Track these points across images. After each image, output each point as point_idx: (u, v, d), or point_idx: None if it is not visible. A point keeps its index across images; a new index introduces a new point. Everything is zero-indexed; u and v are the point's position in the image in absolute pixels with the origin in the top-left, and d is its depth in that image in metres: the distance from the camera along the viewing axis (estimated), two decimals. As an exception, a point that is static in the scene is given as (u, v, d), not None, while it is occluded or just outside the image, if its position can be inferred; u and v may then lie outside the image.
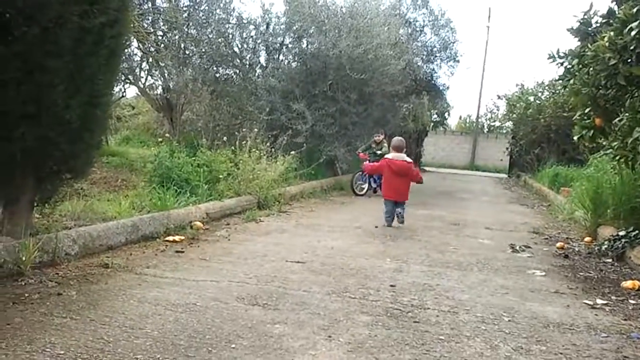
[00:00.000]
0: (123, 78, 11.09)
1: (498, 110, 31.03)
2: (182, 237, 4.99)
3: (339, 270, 4.29)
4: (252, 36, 11.70)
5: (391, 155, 7.22)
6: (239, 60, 11.75)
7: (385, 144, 10.96)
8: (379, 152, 10.58)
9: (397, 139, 7.38)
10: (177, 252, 4.52)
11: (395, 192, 6.96)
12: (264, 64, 12.05)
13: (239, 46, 11.77)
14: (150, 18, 10.79)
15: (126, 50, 9.76)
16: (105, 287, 3.43)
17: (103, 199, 5.71)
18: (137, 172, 8.09)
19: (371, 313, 3.27)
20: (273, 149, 8.97)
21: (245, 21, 11.48)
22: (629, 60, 4.81)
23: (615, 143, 5.41)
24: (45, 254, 3.71)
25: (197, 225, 5.52)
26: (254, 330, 2.84)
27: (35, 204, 4.08)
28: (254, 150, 7.97)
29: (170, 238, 4.91)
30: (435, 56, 17.91)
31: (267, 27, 11.69)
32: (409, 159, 7.24)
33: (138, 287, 3.47)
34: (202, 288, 3.54)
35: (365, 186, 10.73)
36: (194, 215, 5.71)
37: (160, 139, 8.16)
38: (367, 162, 9.94)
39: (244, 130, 9.35)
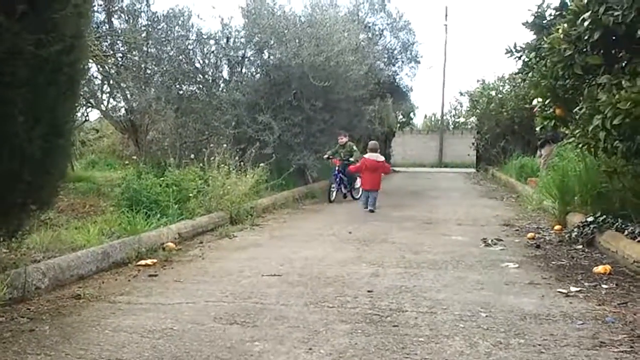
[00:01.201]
0: (85, 102, 10.95)
1: (461, 106, 31.45)
2: (155, 260, 4.93)
3: (316, 280, 4.29)
4: (213, 51, 11.67)
5: (367, 155, 9.58)
6: (201, 76, 11.70)
7: (352, 145, 11.14)
8: (351, 158, 10.60)
9: (371, 143, 10.14)
10: (150, 276, 4.46)
11: (369, 183, 9.30)
12: (227, 78, 12.02)
13: (201, 62, 11.73)
14: (108, 40, 10.68)
15: (86, 75, 9.65)
16: (78, 318, 3.37)
17: (71, 227, 5.60)
18: (105, 197, 7.98)
19: (350, 321, 3.28)
20: (242, 163, 8.93)
21: (205, 36, 11.43)
22: (584, 50, 4.94)
23: (577, 131, 5.54)
24: (15, 290, 3.62)
25: (169, 246, 5.46)
26: (234, 350, 2.82)
27: (1, 239, 3.99)
28: (222, 165, 7.92)
29: (143, 262, 4.84)
30: (397, 58, 18.15)
31: (228, 41, 11.67)
32: (380, 158, 9.66)
33: (112, 316, 3.41)
34: (178, 311, 3.50)
35: (335, 192, 10.71)
36: (165, 236, 5.64)
37: (126, 161, 8.05)
38: (337, 167, 10.57)
39: (211, 146, 9.30)
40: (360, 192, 10.45)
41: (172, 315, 3.42)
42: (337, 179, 10.64)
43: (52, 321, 3.31)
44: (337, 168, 10.71)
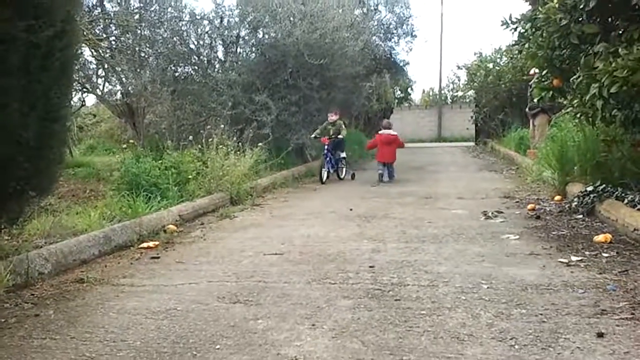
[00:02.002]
0: (80, 87, 10.89)
1: (459, 80, 31.26)
2: (157, 243, 4.95)
3: (317, 258, 4.31)
4: (207, 32, 11.58)
5: (381, 131, 10.58)
6: (196, 57, 11.62)
7: (341, 122, 10.71)
8: (340, 135, 10.43)
9: (385, 121, 11.26)
10: (152, 258, 4.48)
11: (384, 156, 10.23)
12: (222, 59, 11.94)
13: (195, 43, 11.63)
14: (101, 23, 10.58)
15: (80, 59, 9.58)
16: (82, 302, 3.39)
17: (72, 213, 5.61)
18: (105, 181, 7.99)
19: (352, 296, 3.30)
20: (240, 143, 8.92)
21: (198, 17, 11.34)
22: (580, 19, 4.90)
23: (575, 101, 5.52)
24: (18, 276, 3.65)
25: (170, 228, 5.47)
26: (237, 329, 2.84)
27: (3, 226, 4.00)
28: (221, 146, 7.90)
29: (145, 245, 4.86)
30: (393, 33, 17.96)
31: (222, 21, 11.57)
32: (394, 132, 10.59)
33: (116, 299, 3.44)
34: (181, 292, 3.52)
35: (326, 172, 10.29)
36: (166, 219, 5.66)
37: (124, 145, 8.03)
38: (326, 146, 10.20)
39: (208, 127, 9.27)
40: (344, 172, 10.79)
41: (176, 296, 3.44)
42: (327, 158, 10.29)
43: (57, 306, 3.33)
44: (326, 147, 10.29)
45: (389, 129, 10.64)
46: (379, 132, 10.66)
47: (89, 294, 3.55)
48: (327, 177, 10.22)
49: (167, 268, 4.16)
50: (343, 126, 10.67)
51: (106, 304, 3.34)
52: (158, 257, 4.50)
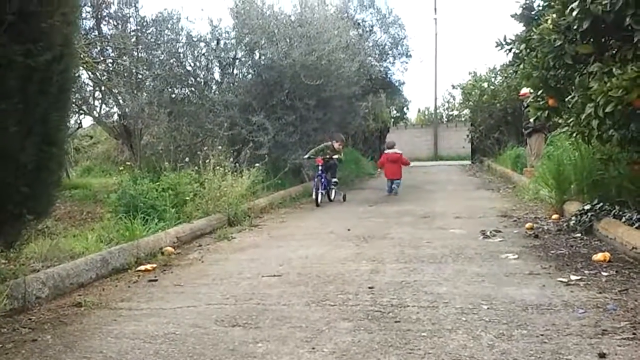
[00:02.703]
0: (77, 109, 10.93)
1: (454, 99, 31.48)
2: (154, 265, 4.92)
3: (316, 279, 4.29)
4: (203, 53, 11.66)
5: (387, 150, 11.78)
6: (193, 79, 11.68)
7: (340, 149, 10.60)
8: (335, 156, 10.30)
9: (389, 141, 12.65)
10: (150, 281, 4.45)
11: (392, 173, 11.32)
12: (219, 80, 12.01)
13: (192, 64, 11.71)
14: (98, 46, 10.65)
15: (77, 81, 9.62)
16: (80, 327, 3.36)
17: (69, 235, 5.59)
18: (102, 203, 7.96)
19: (352, 318, 3.28)
20: (237, 164, 8.93)
21: (195, 39, 11.43)
22: (574, 40, 4.94)
23: (571, 120, 5.55)
24: (15, 300, 3.61)
25: (168, 250, 5.45)
26: (237, 353, 2.82)
27: (0, 250, 3.98)
28: (218, 167, 7.91)
29: (142, 267, 4.83)
30: (388, 54, 18.12)
31: (218, 43, 11.66)
32: (398, 151, 11.66)
33: (114, 323, 3.41)
34: (180, 315, 3.49)
35: (320, 195, 9.72)
36: (164, 241, 5.63)
37: (121, 168, 8.03)
38: (320, 167, 9.85)
39: (205, 148, 9.28)
40: (334, 194, 10.47)
41: (174, 319, 3.41)
42: (322, 180, 9.85)
43: (54, 330, 3.30)
44: (320, 168, 9.88)
45: (393, 148, 11.78)
46: (385, 151, 11.94)
47: (86, 318, 3.52)
48: (321, 199, 9.81)
49: (165, 291, 4.13)
50: (341, 152, 10.61)
51: (104, 328, 3.31)
52: (156, 280, 4.47)
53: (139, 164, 9.68)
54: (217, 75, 12.07)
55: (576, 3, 4.60)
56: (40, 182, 3.76)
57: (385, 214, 8.10)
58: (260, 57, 11.71)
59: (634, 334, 2.83)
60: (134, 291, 4.17)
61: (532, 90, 6.05)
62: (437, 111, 32.61)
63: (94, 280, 4.44)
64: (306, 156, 10.40)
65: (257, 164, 9.26)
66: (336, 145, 10.38)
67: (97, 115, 11.56)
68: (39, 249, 4.74)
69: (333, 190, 10.46)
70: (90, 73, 10.35)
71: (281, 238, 6.35)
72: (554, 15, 4.99)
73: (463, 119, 28.51)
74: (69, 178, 11.68)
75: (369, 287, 3.96)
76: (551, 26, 5.02)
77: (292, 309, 3.51)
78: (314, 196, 9.71)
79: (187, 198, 7.04)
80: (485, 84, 19.27)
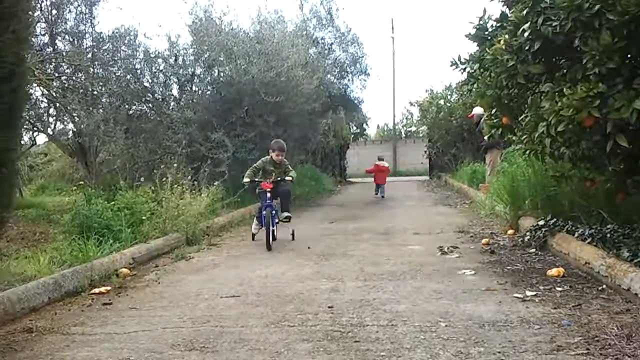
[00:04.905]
0: (31, 126, 10.65)
1: (412, 116, 32.02)
2: (109, 288, 4.78)
3: (276, 299, 4.25)
4: (161, 70, 11.56)
5: (377, 162, 15.46)
6: (150, 95, 11.56)
7: (287, 162, 7.72)
8: (288, 178, 7.35)
9: (379, 155, 16.75)
10: (104, 304, 4.32)
11: (379, 179, 15.00)
12: (177, 97, 11.91)
13: (150, 81, 11.60)
14: (53, 63, 10.41)
15: (31, 98, 9.39)
16: (31, 353, 3.23)
17: (21, 257, 5.39)
18: (55, 224, 7.73)
19: (311, 339, 3.25)
20: (196, 182, 8.82)
21: (152, 55, 11.32)
22: (526, 60, 5.07)
23: (524, 137, 5.68)
24: (-39, 328, 3.46)
25: (123, 272, 5.31)
26: (194, 378, 2.75)
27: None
28: (176, 185, 7.79)
29: (96, 290, 4.69)
30: (347, 71, 18.34)
31: (176, 59, 11.58)
32: (386, 164, 15.86)
33: (66, 349, 3.29)
34: (135, 340, 3.39)
35: (270, 231, 6.77)
36: (119, 262, 5.49)
37: (74, 187, 7.83)
38: (268, 193, 6.99)
39: (162, 167, 9.14)
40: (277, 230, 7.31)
41: (129, 344, 3.31)
42: (273, 211, 7.03)
43: (4, 357, 3.16)
44: (267, 195, 7.00)
45: (383, 160, 15.79)
46: (376, 162, 15.52)
47: (38, 344, 3.39)
48: (274, 238, 6.99)
49: (119, 315, 4.02)
50: (289, 167, 7.66)
51: (56, 354, 3.18)
52: (110, 303, 4.35)
53: (95, 182, 9.46)
54: (175, 92, 11.99)
55: (527, 24, 4.72)
56: (-12, 204, 3.63)
57: (345, 231, 8.11)
58: (219, 74, 11.68)
59: (587, 349, 2.89)
60: (88, 315, 4.04)
61: (484, 110, 6.18)
62: (396, 127, 33.09)
63: (46, 304, 4.28)
64: (246, 180, 7.33)
65: (216, 182, 9.17)
66: (274, 155, 7.41)
67: (51, 132, 11.27)
68: (-12, 272, 4.56)
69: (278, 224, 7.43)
70: (44, 90, 10.11)
71: (241, 257, 6.28)
72: (507, 36, 5.11)
73: (421, 135, 28.98)
74: (22, 197, 11.31)
75: (329, 307, 3.94)
76: (504, 47, 5.14)
77: (250, 331, 3.46)
78: (265, 235, 6.74)
79: (144, 217, 6.88)
80: (442, 101, 19.67)
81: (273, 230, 6.98)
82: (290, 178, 7.39)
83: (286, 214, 7.36)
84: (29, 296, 4.15)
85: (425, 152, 22.94)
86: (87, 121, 9.86)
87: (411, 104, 25.89)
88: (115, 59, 10.80)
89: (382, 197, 14.58)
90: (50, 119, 11.29)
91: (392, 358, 2.89)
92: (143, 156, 11.15)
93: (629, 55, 4.21)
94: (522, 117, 5.23)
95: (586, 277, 4.45)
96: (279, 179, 7.34)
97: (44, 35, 10.38)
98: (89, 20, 10.70)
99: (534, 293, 4.07)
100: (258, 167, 7.49)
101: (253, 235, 7.55)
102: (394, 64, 32.74)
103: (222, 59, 11.26)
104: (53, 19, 10.38)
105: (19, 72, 3.77)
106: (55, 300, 4.41)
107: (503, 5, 6.11)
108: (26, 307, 4.08)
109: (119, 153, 11.08)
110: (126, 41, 10.91)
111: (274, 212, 7.11)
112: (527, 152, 5.67)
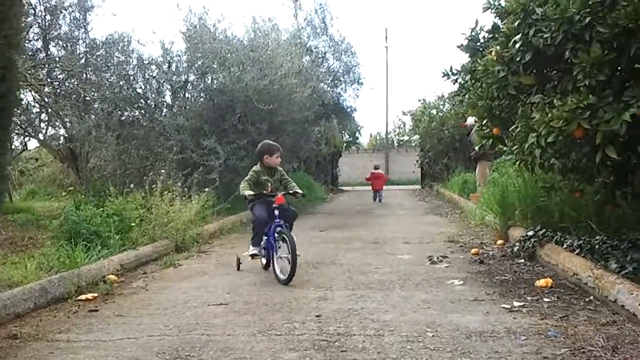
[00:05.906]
0: (22, 131, 10.62)
1: (405, 125, 32.14)
2: (96, 295, 4.75)
3: (264, 307, 4.23)
4: (154, 76, 11.55)
5: (374, 170, 16.77)
6: (143, 102, 11.54)
7: (282, 170, 6.12)
8: (291, 191, 5.83)
9: (375, 164, 18.14)
10: (90, 311, 4.29)
11: (376, 185, 16.33)
12: (170, 103, 11.90)
13: (142, 87, 11.59)
14: (46, 68, 10.40)
15: (22, 103, 9.35)
16: (13, 361, 3.20)
17: (8, 263, 5.35)
18: (44, 229, 7.67)
19: (298, 348, 3.23)
20: (187, 188, 8.79)
21: (146, 62, 11.31)
22: (517, 71, 5.11)
23: (514, 148, 5.70)
24: (-57, 334, 3.42)
25: (111, 279, 5.27)
26: (178, 386, 2.73)
27: None
28: (166, 192, 7.75)
29: (83, 297, 4.65)
30: (340, 80, 18.41)
31: (170, 66, 11.58)
32: (381, 172, 17.31)
33: (51, 356, 3.26)
34: (120, 348, 3.37)
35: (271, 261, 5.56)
36: (107, 268, 5.45)
37: (63, 193, 7.78)
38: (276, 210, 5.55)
39: (151, 174, 9.11)
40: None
41: (114, 352, 3.29)
42: (282, 229, 5.54)
43: (-16, 366, 3.13)
44: (276, 211, 5.56)
45: (378, 169, 17.21)
46: (372, 170, 16.83)
47: (22, 352, 3.35)
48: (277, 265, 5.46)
49: (105, 322, 3.99)
50: (285, 174, 6.14)
51: (39, 362, 3.16)
52: (96, 310, 4.32)
53: (85, 188, 9.42)
54: (168, 99, 11.97)
55: (519, 36, 4.76)
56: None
57: (335, 240, 8.10)
58: (212, 81, 11.67)
59: (572, 360, 2.89)
60: (73, 322, 4.01)
61: (476, 120, 6.20)
62: (389, 136, 33.16)
63: (31, 311, 4.25)
64: (247, 193, 5.66)
65: (207, 189, 9.14)
66: (272, 159, 5.99)
67: (42, 137, 11.24)
68: (-26, 278, 4.52)
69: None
70: (36, 95, 10.08)
71: (229, 265, 6.24)
72: (498, 47, 5.14)
73: (413, 144, 29.08)
74: (11, 201, 11.23)
75: (317, 315, 3.93)
76: (495, 58, 5.16)
77: (237, 340, 3.44)
78: (266, 260, 5.78)
79: (133, 224, 6.84)
80: (434, 111, 19.75)
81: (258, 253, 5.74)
82: (301, 192, 5.95)
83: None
84: (15, 302, 4.12)
85: (417, 161, 23.00)
86: (78, 127, 9.84)
87: (404, 113, 26.08)
88: (109, 64, 10.80)
89: (380, 201, 15.83)
90: (42, 124, 11.27)
91: (378, 368, 2.88)
92: (134, 162, 11.13)
93: (619, 68, 4.23)
94: (513, 127, 5.26)
95: (574, 288, 4.47)
96: (290, 192, 5.85)
97: (37, 40, 10.39)
98: (83, 26, 10.73)
99: (521, 304, 4.08)
100: (252, 179, 5.87)
101: (239, 263, 5.98)
102: (387, 73, 32.96)
103: (215, 66, 11.26)
104: (47, 24, 10.38)
105: (9, 77, 3.76)
106: (41, 306, 4.37)
107: (495, 17, 6.15)
108: (11, 313, 4.04)
109: (110, 159, 11.05)
110: (120, 47, 10.93)
111: (280, 227, 5.56)
112: (518, 162, 5.68)
